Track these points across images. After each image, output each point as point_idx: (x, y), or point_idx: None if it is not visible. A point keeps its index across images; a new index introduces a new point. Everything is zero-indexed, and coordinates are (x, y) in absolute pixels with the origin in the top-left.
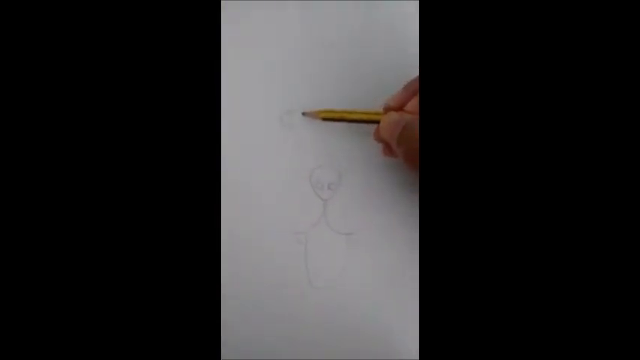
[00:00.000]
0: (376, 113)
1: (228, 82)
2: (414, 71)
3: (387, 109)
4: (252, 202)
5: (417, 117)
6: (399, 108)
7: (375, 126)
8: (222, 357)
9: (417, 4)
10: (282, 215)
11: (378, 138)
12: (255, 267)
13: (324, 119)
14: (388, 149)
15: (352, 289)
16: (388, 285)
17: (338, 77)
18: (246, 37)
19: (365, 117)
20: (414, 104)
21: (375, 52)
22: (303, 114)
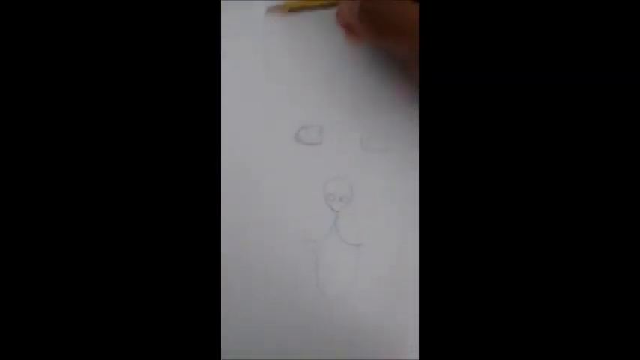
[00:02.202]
0: None
1: (246, 95)
2: None
3: None
4: (267, 211)
5: None
6: None
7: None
8: None
9: None
10: (295, 225)
11: (341, 21)
12: (267, 274)
13: (290, 11)
14: (350, 32)
15: (362, 299)
16: (396, 295)
17: (355, 94)
18: (265, 52)
19: (326, 2)
20: None
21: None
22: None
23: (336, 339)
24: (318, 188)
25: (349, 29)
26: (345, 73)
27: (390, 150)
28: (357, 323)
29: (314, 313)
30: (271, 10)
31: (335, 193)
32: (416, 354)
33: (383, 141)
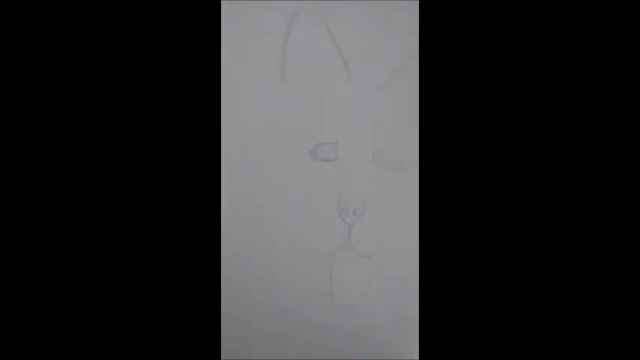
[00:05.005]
0: None
1: (263, 113)
2: None
3: None
4: (283, 225)
5: None
6: None
7: None
8: None
9: None
10: (310, 237)
11: None
12: (281, 286)
13: None
14: None
15: (374, 309)
16: (407, 305)
17: (368, 111)
18: (284, 70)
19: None
20: None
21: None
22: None
23: (349, 348)
24: (331, 202)
25: None
26: (361, 91)
27: (401, 165)
28: (370, 333)
29: (327, 323)
30: None
31: (348, 207)
32: None
33: (394, 157)
